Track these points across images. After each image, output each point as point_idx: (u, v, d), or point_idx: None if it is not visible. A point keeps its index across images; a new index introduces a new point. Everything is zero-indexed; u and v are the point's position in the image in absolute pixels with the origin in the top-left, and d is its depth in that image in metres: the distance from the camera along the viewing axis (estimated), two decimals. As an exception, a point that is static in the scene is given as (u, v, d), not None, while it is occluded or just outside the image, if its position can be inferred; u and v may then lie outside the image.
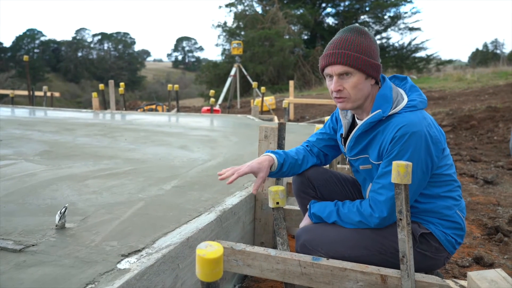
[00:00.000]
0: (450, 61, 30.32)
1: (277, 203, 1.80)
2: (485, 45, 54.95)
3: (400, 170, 1.51)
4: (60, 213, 1.81)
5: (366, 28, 1.71)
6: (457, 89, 13.76)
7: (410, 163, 1.51)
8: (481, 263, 2.53)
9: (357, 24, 1.71)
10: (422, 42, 29.89)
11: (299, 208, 2.33)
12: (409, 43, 29.45)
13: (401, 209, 1.57)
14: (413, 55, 29.55)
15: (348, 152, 1.85)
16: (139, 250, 1.62)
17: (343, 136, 1.90)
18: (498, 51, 48.98)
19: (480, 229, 3.10)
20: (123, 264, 1.49)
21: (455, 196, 1.78)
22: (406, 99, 1.70)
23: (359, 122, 1.79)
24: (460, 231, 1.79)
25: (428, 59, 29.34)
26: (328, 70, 1.69)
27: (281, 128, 2.36)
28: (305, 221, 1.95)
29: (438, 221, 1.76)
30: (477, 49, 55.55)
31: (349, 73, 1.66)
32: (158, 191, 2.45)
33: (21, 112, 7.53)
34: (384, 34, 29.71)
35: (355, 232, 1.77)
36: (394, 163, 1.52)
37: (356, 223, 1.75)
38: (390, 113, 1.67)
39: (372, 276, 1.67)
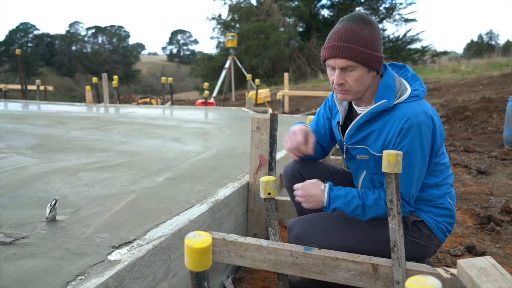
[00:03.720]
0: (445, 53, 30.39)
1: (269, 193, 1.80)
2: (480, 36, 55.06)
3: (390, 160, 1.51)
4: (51, 205, 1.80)
5: (370, 16, 1.66)
6: (452, 80, 13.78)
7: (401, 152, 1.51)
8: (473, 252, 2.55)
9: (361, 12, 1.66)
10: (417, 34, 30.01)
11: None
12: (404, 35, 29.47)
13: (391, 198, 1.58)
14: (408, 46, 29.56)
15: (347, 140, 1.82)
16: (130, 242, 1.61)
17: (340, 123, 1.87)
18: (493, 42, 49.09)
19: (472, 219, 3.12)
20: (114, 256, 1.49)
21: (448, 184, 1.80)
22: (409, 89, 1.68)
23: (359, 110, 1.77)
24: (451, 219, 1.80)
25: (423, 51, 29.36)
26: (331, 62, 1.64)
27: (273, 119, 2.35)
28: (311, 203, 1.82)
29: (429, 209, 1.77)
30: (472, 41, 55.68)
31: (353, 67, 1.62)
32: (151, 183, 2.44)
33: (14, 106, 7.48)
34: (379, 26, 29.63)
35: (347, 222, 1.77)
36: (385, 152, 1.51)
37: (381, 216, 1.72)
38: (394, 103, 1.66)
39: (364, 265, 1.68)
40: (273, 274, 2.18)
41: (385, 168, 1.53)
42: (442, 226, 1.78)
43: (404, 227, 1.72)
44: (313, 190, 1.77)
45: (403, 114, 1.62)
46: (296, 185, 1.83)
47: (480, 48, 42.80)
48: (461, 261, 1.46)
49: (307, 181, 1.81)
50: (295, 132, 1.82)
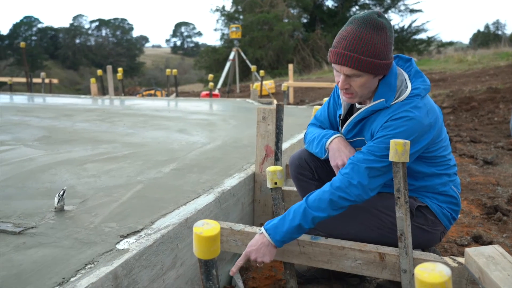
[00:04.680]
0: (451, 43, 30.05)
1: (275, 183, 1.80)
2: (487, 26, 54.41)
3: (398, 148, 1.51)
4: (59, 195, 1.82)
5: (383, 18, 1.58)
6: (458, 71, 13.66)
7: (408, 141, 1.51)
8: (480, 241, 2.54)
9: (374, 14, 1.58)
10: (423, 24, 29.49)
11: (298, 189, 2.34)
12: (410, 25, 29.17)
13: (399, 187, 1.57)
14: (414, 37, 29.27)
15: (345, 134, 1.84)
16: (138, 231, 1.62)
17: (341, 117, 1.87)
18: (499, 32, 48.55)
19: (479, 209, 3.11)
20: (122, 245, 1.50)
21: (450, 173, 1.79)
22: (409, 88, 1.66)
23: (359, 107, 1.77)
24: (455, 206, 1.80)
25: (428, 41, 29.06)
26: (337, 67, 1.63)
27: (279, 109, 2.34)
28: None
29: (433, 195, 1.78)
30: (478, 31, 55.15)
31: (358, 75, 1.59)
32: (157, 174, 2.45)
33: (20, 98, 7.51)
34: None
35: (353, 208, 1.76)
36: (392, 141, 1.51)
37: (329, 203, 1.61)
38: (392, 103, 1.64)
39: (371, 254, 1.68)
40: (280, 263, 2.19)
41: (392, 157, 1.53)
42: (447, 212, 1.78)
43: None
44: (254, 241, 1.67)
45: (394, 108, 1.62)
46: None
47: (486, 38, 42.33)
48: (469, 250, 1.45)
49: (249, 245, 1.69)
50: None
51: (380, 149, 1.59)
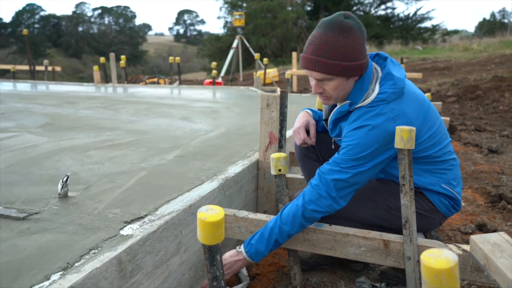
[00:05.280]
0: (456, 32, 29.83)
1: (279, 170, 1.79)
2: (493, 14, 53.89)
3: (403, 135, 1.49)
4: (62, 181, 1.81)
5: (351, 19, 1.55)
6: (463, 59, 13.55)
7: (414, 128, 1.49)
8: (484, 230, 2.54)
9: (341, 16, 1.55)
10: (428, 12, 29.34)
11: (301, 177, 2.34)
12: (415, 13, 28.89)
13: (404, 174, 1.56)
14: (419, 25, 29.01)
15: (330, 133, 1.86)
16: (142, 217, 1.62)
17: (323, 118, 1.90)
18: (505, 21, 48.04)
19: (483, 197, 3.10)
20: (126, 231, 1.50)
21: (438, 171, 1.75)
22: (376, 91, 1.60)
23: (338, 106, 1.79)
24: (452, 201, 1.79)
25: (433, 30, 28.82)
26: (307, 72, 1.62)
27: (283, 96, 2.32)
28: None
29: (427, 189, 1.77)
30: (484, 19, 54.58)
31: (329, 78, 1.58)
32: (160, 160, 2.44)
33: (23, 86, 7.50)
34: (389, 4, 29.13)
35: None
36: (398, 128, 1.49)
37: (303, 218, 1.65)
38: (357, 106, 1.62)
39: (375, 241, 1.68)
40: (284, 250, 2.19)
41: (397, 144, 1.51)
42: (445, 200, 1.77)
43: None
44: (233, 264, 1.72)
45: (358, 115, 1.60)
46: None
47: (492, 26, 41.86)
48: (474, 237, 1.44)
49: (224, 260, 1.72)
50: (299, 130, 1.96)
51: (344, 160, 1.60)
